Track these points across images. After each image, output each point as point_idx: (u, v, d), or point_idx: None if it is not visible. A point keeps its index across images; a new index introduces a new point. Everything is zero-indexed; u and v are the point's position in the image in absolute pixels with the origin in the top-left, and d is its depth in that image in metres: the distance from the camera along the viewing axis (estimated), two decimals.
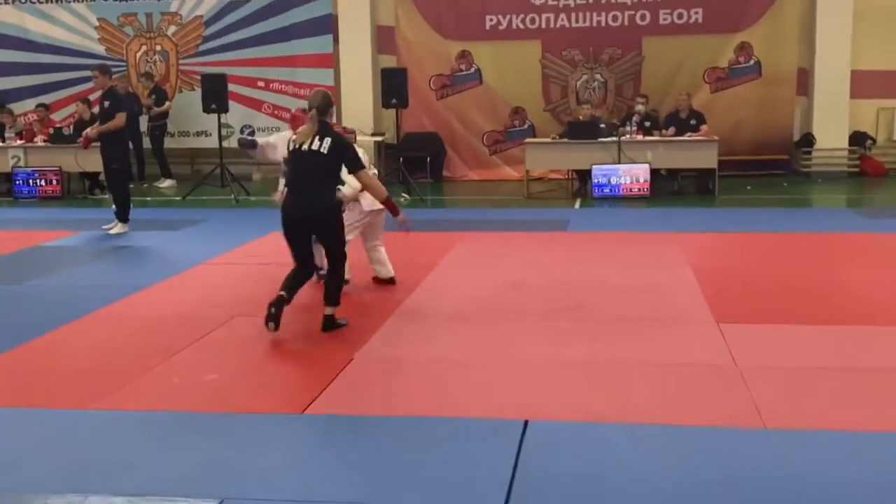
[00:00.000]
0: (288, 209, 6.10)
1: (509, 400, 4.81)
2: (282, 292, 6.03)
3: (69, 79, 16.26)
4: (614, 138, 12.86)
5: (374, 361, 5.55)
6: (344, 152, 6.09)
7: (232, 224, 10.96)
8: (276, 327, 5.95)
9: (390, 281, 7.56)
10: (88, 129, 10.74)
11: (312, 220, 6.10)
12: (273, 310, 5.93)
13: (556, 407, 4.70)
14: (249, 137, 8.10)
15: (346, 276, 6.74)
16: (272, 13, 15.73)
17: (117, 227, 10.44)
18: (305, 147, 6.03)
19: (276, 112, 15.93)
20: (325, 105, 6.08)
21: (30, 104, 16.26)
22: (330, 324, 6.19)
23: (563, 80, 15.26)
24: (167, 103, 15.54)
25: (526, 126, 15.35)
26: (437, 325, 6.35)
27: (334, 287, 6.22)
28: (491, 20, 15.17)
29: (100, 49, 16.33)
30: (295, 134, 6.41)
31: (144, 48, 16.38)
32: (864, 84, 14.42)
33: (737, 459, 4.03)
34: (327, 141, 5.99)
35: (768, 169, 14.56)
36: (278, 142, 7.75)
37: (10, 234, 10.43)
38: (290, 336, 6.12)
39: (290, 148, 6.16)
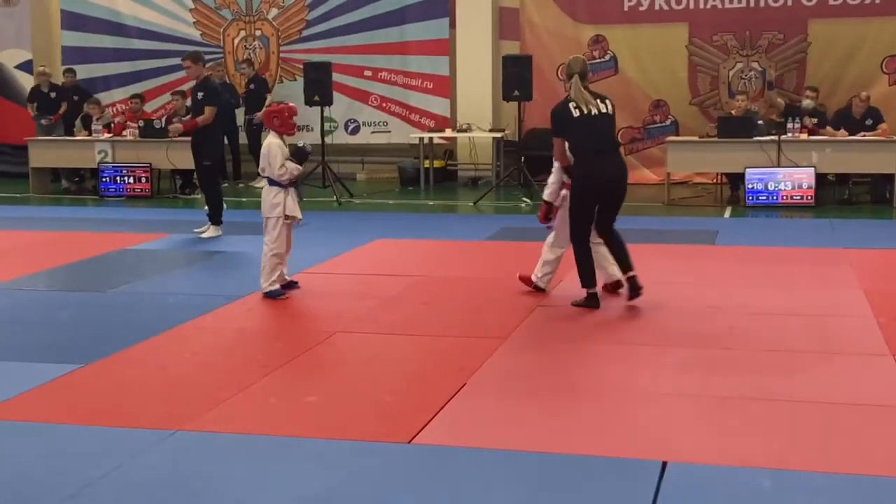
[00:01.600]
0: (599, 173, 6.95)
1: (645, 437, 4.79)
2: (622, 277, 7.16)
3: (161, 66, 16.91)
4: (773, 137, 12.64)
5: (491, 387, 5.61)
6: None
7: (334, 229, 11.21)
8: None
9: (619, 285, 7.51)
10: (176, 122, 11.10)
11: (623, 182, 7.09)
12: (635, 289, 7.09)
13: (700, 447, 4.66)
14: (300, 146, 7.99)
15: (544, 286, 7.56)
16: None
17: (210, 231, 10.79)
18: (595, 111, 6.93)
19: (383, 105, 16.21)
20: (585, 71, 7.08)
21: (118, 94, 16.98)
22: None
23: (713, 69, 15.07)
24: (267, 97, 15.80)
25: (668, 122, 15.22)
26: (561, 349, 6.38)
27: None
28: (630, 0, 15.10)
29: (195, 34, 16.96)
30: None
31: (243, 33, 16.92)
32: None
33: None
34: (608, 102, 7.01)
35: None
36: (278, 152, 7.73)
37: (94, 236, 10.92)
38: (396, 357, 6.25)
39: (575, 115, 6.94)
